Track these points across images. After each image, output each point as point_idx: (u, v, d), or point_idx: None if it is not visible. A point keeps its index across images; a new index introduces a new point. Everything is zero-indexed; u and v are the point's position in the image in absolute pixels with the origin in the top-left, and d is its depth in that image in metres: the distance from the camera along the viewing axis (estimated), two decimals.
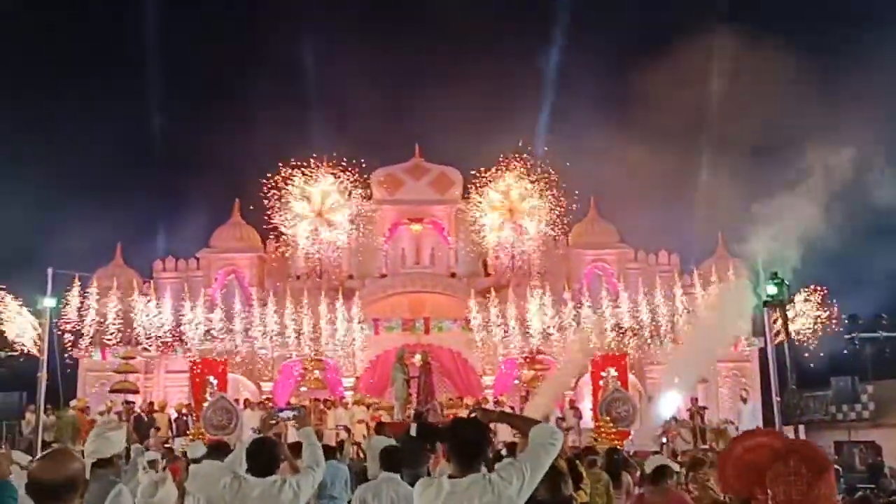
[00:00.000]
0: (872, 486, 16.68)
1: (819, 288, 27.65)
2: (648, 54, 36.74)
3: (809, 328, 27.31)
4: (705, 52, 35.83)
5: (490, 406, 24.99)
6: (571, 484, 7.44)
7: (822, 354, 27.63)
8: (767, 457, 2.91)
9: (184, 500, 7.47)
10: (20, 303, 26.44)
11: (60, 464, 3.91)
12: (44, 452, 4.10)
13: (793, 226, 21.36)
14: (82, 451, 5.69)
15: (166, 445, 20.96)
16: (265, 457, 6.47)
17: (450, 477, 4.73)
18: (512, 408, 25.19)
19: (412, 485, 5.21)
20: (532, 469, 4.62)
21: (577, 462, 8.01)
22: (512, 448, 12.00)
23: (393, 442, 16.56)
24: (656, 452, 20.72)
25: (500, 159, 31.18)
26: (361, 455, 18.99)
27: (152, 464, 9.07)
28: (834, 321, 27.57)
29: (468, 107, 39.53)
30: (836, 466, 19.37)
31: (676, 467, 9.15)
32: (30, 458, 15.49)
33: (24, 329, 26.31)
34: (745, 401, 27.05)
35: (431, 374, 26.25)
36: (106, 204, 37.54)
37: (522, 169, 31.01)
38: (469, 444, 4.76)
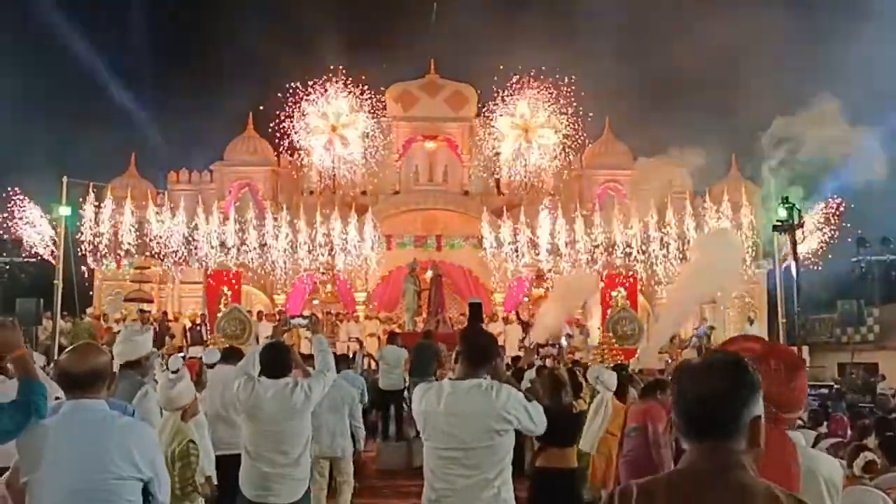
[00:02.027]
0: (871, 404, 17.00)
1: (832, 203, 27.63)
2: None
3: (819, 248, 27.35)
4: None
5: (499, 322, 25.35)
6: (571, 392, 7.73)
7: (829, 277, 27.78)
8: (751, 358, 3.22)
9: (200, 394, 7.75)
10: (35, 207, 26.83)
11: (88, 356, 4.13)
12: (72, 346, 4.33)
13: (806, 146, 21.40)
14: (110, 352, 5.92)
15: (181, 354, 21.40)
16: (278, 360, 6.71)
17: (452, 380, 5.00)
18: (522, 322, 25.53)
19: None
20: (524, 410, 4.89)
21: (577, 372, 8.28)
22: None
23: (403, 350, 17.03)
24: (661, 371, 21.11)
25: (515, 77, 31.03)
26: (374, 366, 19.34)
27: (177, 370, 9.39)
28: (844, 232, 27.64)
29: (484, 23, 39.29)
30: (837, 385, 19.77)
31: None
32: (45, 358, 16.01)
33: (41, 236, 26.69)
34: (751, 321, 27.30)
35: (442, 287, 26.47)
36: (120, 114, 37.74)
37: (537, 87, 30.85)
38: (479, 349, 5.02)
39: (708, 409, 2.48)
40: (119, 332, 7.73)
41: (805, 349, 23.42)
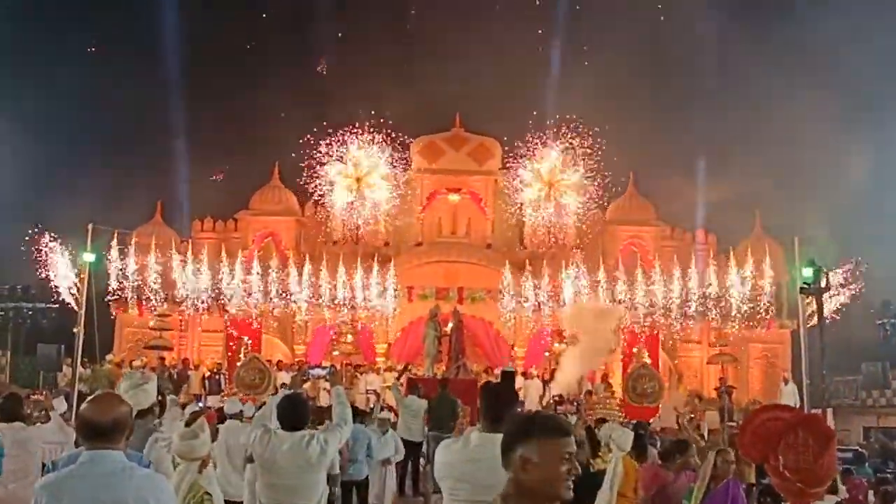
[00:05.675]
0: (895, 470, 16.71)
1: (853, 261, 27.40)
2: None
3: (842, 307, 27.08)
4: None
5: (519, 378, 25.13)
6: (589, 450, 7.65)
7: (853, 339, 27.48)
8: (780, 428, 3.19)
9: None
10: (63, 252, 26.99)
11: (109, 406, 4.15)
12: (94, 395, 4.35)
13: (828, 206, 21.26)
14: None
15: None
16: (295, 412, 6.70)
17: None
18: (542, 378, 25.39)
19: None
20: None
21: (596, 431, 8.20)
22: None
23: (424, 402, 16.91)
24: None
25: (540, 131, 31.18)
26: (393, 417, 19.21)
27: (194, 414, 9.40)
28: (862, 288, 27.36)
29: (509, 77, 39.55)
30: (862, 450, 19.44)
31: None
32: (66, 405, 16.08)
33: (65, 281, 26.83)
34: (786, 381, 26.79)
35: (463, 333, 26.30)
36: (146, 162, 38.10)
37: (561, 142, 30.94)
38: (504, 405, 5.05)
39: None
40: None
41: (829, 412, 23.09)
